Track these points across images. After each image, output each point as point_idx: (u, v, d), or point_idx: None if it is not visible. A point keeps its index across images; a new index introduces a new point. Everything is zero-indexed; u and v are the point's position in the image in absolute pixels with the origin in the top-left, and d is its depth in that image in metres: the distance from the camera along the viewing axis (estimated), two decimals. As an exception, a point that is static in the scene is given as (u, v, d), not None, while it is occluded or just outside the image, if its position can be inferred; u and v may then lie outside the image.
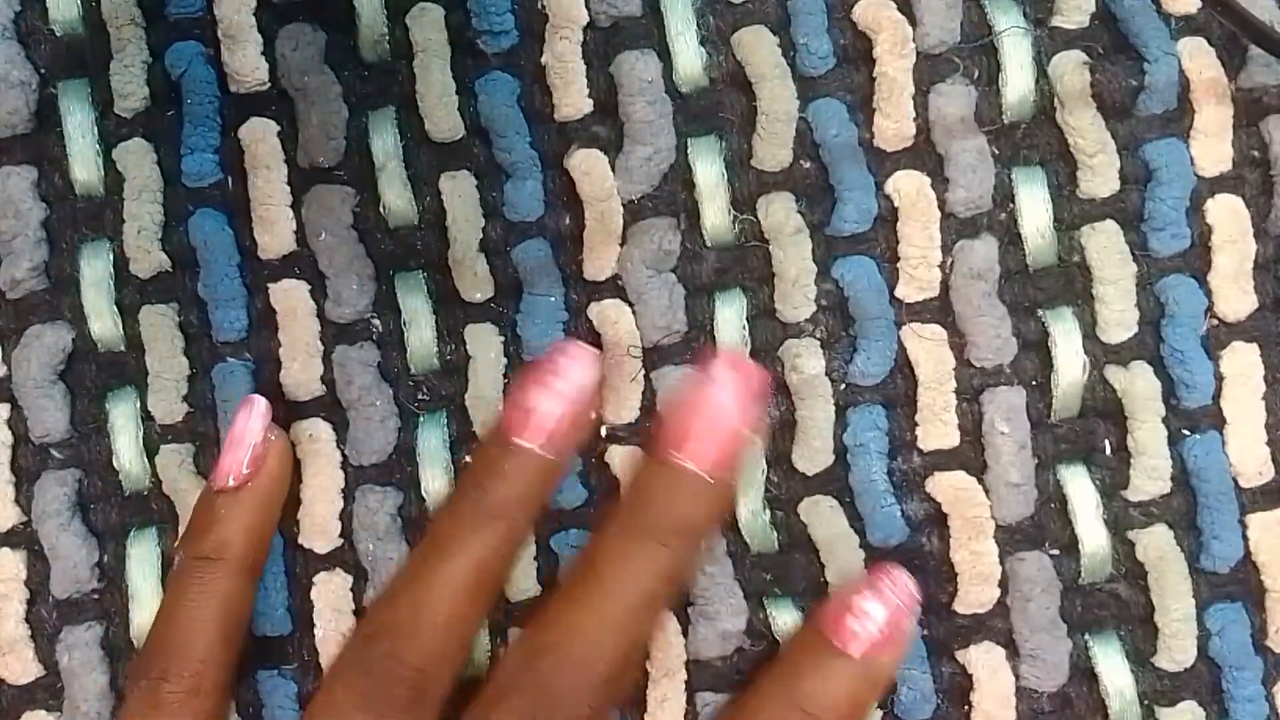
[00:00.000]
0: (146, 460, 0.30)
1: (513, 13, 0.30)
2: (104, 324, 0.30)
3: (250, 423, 0.28)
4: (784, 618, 0.29)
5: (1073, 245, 0.29)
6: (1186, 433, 0.29)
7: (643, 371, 0.29)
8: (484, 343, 0.29)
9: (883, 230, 0.29)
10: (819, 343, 0.29)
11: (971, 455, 0.29)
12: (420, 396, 0.30)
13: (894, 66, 0.29)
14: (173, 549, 0.29)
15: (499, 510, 0.27)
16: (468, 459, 0.30)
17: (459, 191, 0.30)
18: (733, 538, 0.29)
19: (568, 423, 0.28)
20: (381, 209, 0.30)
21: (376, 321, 0.30)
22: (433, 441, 0.29)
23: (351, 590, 0.30)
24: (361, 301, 0.30)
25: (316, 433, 0.30)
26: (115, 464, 0.30)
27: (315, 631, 0.29)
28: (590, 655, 0.26)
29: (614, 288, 0.30)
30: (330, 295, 0.30)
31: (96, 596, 0.30)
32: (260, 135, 0.30)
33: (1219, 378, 0.29)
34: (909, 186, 0.29)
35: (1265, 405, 0.29)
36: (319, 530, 0.30)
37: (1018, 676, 0.29)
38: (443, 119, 0.30)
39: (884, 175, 0.29)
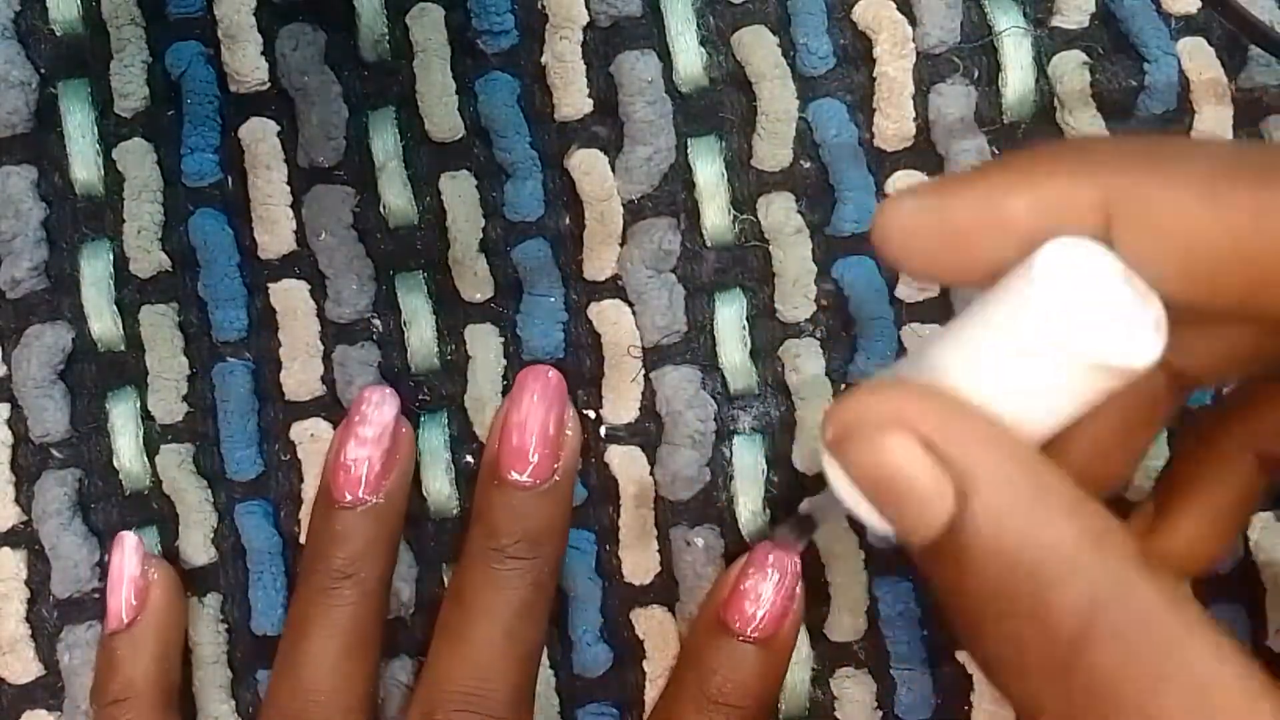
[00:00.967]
0: (147, 460, 0.30)
1: (513, 13, 0.30)
2: (104, 324, 0.30)
3: (124, 561, 0.29)
4: (784, 618, 0.29)
5: (1073, 245, 0.29)
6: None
7: (643, 371, 0.29)
8: (484, 343, 0.29)
9: (883, 230, 0.29)
10: (819, 343, 0.29)
11: (971, 455, 0.29)
12: (420, 396, 0.30)
13: (894, 66, 0.29)
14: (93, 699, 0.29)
15: (347, 570, 0.27)
16: (468, 459, 0.30)
17: (459, 191, 0.30)
18: (732, 539, 0.29)
19: (379, 464, 0.28)
20: (382, 209, 0.30)
21: (377, 321, 0.30)
22: (433, 441, 0.29)
23: (351, 590, 0.30)
24: (362, 301, 0.30)
25: (318, 432, 0.30)
26: (115, 464, 0.30)
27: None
28: (485, 686, 0.27)
29: (614, 288, 0.30)
30: (330, 295, 0.30)
31: (97, 596, 0.30)
32: (260, 135, 0.30)
33: (1219, 378, 0.29)
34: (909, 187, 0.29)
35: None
36: (319, 530, 0.29)
37: (1017, 676, 0.29)
38: (443, 119, 0.30)
39: (884, 175, 0.29)
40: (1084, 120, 0.29)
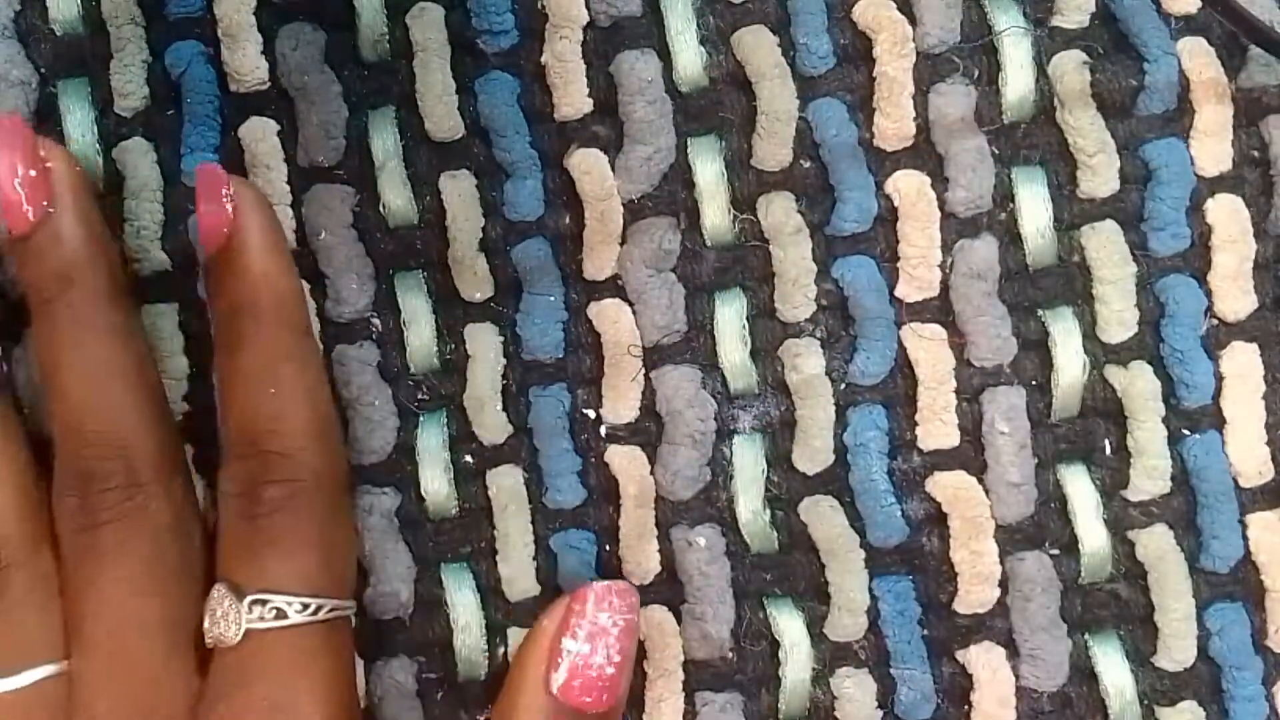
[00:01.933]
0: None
1: (513, 12, 0.30)
2: (104, 323, 0.30)
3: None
4: (784, 618, 0.29)
5: (1073, 245, 0.29)
6: (1186, 432, 0.29)
7: (643, 371, 0.29)
8: (484, 342, 0.29)
9: (883, 230, 0.29)
10: (819, 342, 0.29)
11: (972, 455, 0.29)
12: (420, 396, 0.30)
13: (894, 66, 0.29)
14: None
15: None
16: (467, 459, 0.30)
17: (459, 191, 0.30)
18: (733, 538, 0.29)
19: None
20: (381, 208, 0.30)
21: (376, 321, 0.30)
22: (432, 441, 0.29)
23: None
24: (361, 300, 0.30)
25: (316, 432, 0.30)
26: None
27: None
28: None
29: (614, 287, 0.30)
30: (330, 294, 0.30)
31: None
32: (260, 134, 0.30)
33: (1218, 377, 0.29)
34: (909, 186, 0.29)
35: (1265, 405, 0.29)
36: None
37: (1018, 676, 0.29)
38: (443, 118, 0.30)
39: (884, 175, 0.29)
40: (1084, 120, 0.29)
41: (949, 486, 0.29)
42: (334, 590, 0.26)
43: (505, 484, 0.29)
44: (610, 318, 0.29)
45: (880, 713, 0.29)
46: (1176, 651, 0.29)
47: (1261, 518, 0.29)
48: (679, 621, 0.29)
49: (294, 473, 0.26)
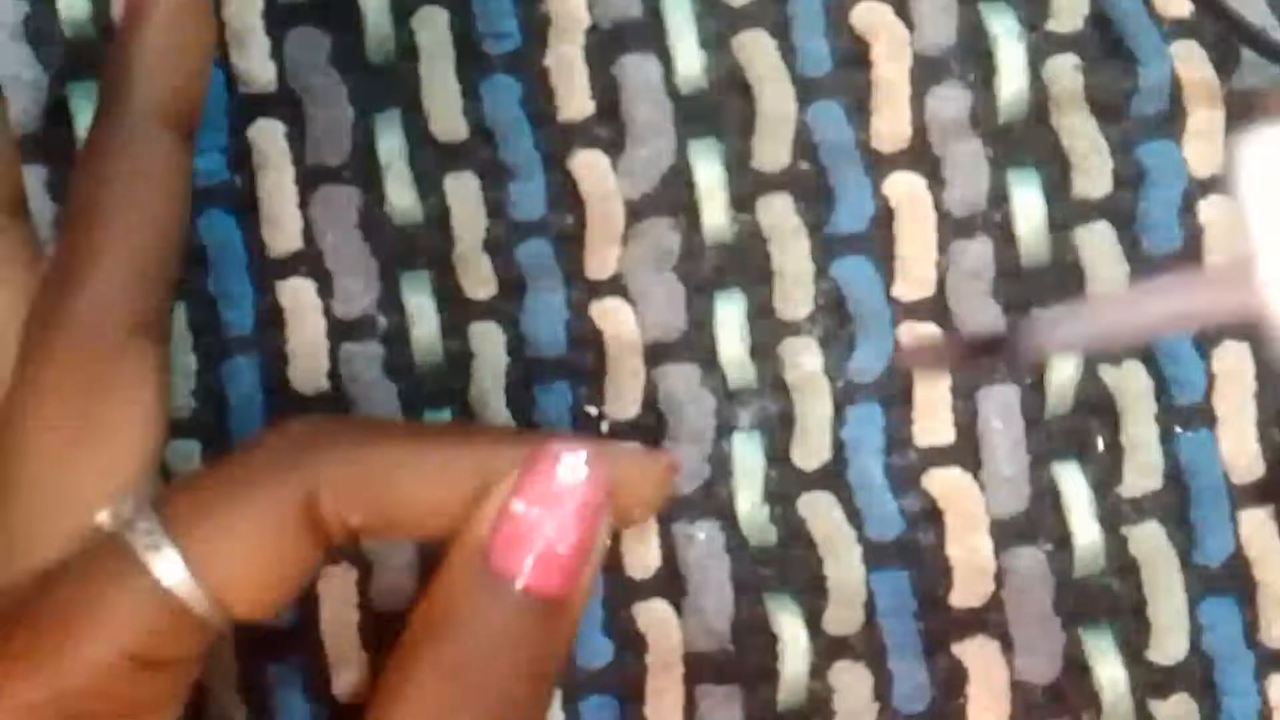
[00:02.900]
0: (155, 455, 0.30)
1: (516, 16, 0.30)
2: (113, 321, 0.30)
3: None
4: (782, 611, 0.29)
5: (1066, 245, 0.30)
6: (1178, 429, 0.29)
7: (644, 368, 0.30)
8: (487, 339, 0.30)
9: (880, 230, 0.30)
10: (817, 341, 0.30)
11: (967, 451, 0.30)
12: (425, 392, 0.30)
13: (891, 70, 0.30)
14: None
15: None
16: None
17: (463, 191, 0.30)
18: (732, 533, 0.30)
19: None
20: (387, 208, 0.30)
21: (381, 319, 0.30)
22: (437, 437, 0.30)
23: (357, 584, 0.30)
24: (367, 299, 0.30)
25: (322, 428, 0.30)
26: (124, 459, 0.30)
27: (321, 625, 0.30)
28: None
29: (615, 286, 0.30)
30: (337, 292, 0.30)
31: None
32: (268, 136, 0.30)
33: (1210, 375, 0.29)
34: (905, 188, 0.30)
35: (1256, 402, 0.29)
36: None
37: (1012, 669, 0.29)
38: (447, 120, 0.30)
39: (881, 176, 0.30)
40: (1078, 122, 0.30)
41: (945, 482, 0.29)
42: None
43: (508, 480, 0.30)
44: (612, 316, 0.30)
45: (876, 705, 0.29)
46: (1169, 645, 0.29)
47: (1252, 514, 0.29)
48: (679, 615, 0.30)
49: None
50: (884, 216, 0.30)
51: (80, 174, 0.25)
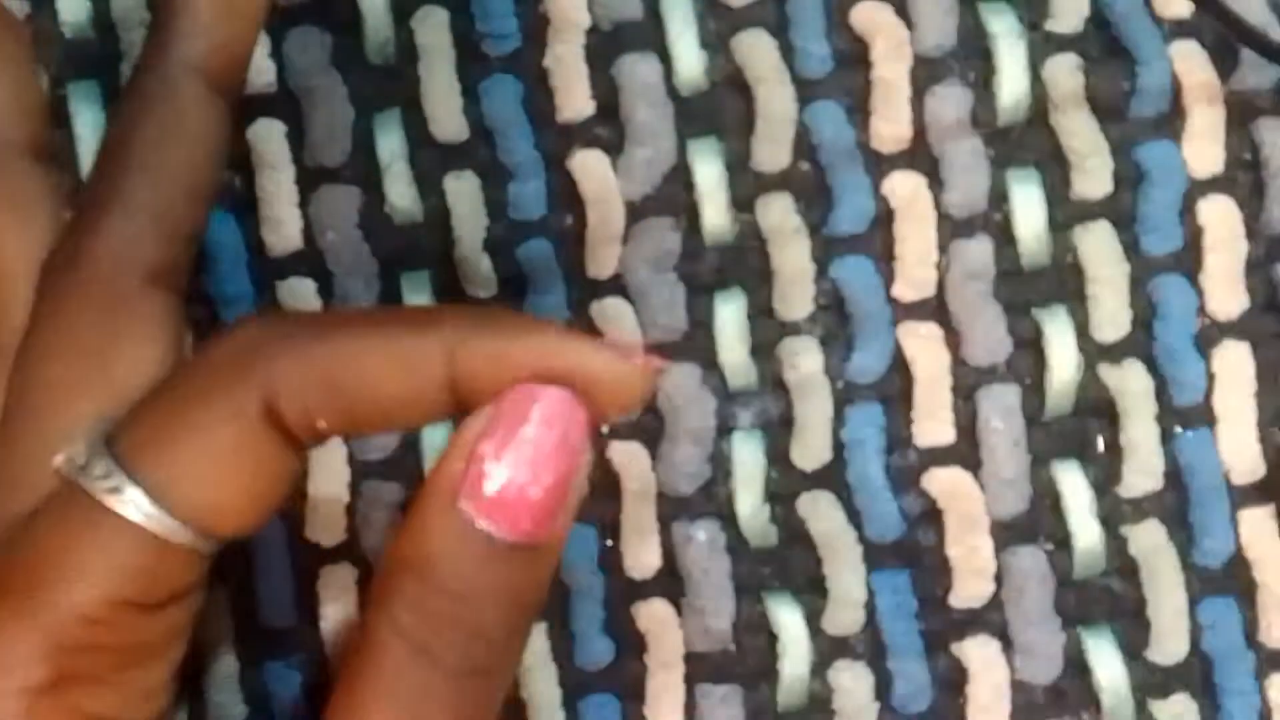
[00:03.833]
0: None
1: (516, 16, 0.30)
2: (113, 321, 0.30)
3: None
4: (783, 611, 0.29)
5: (1066, 245, 0.30)
6: (1178, 430, 0.29)
7: (643, 369, 0.30)
8: (488, 340, 0.30)
9: (880, 231, 0.30)
10: (817, 341, 0.30)
11: (967, 452, 0.30)
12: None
13: (891, 70, 0.30)
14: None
15: None
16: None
17: (463, 191, 0.30)
18: (733, 533, 0.30)
19: None
20: (387, 208, 0.30)
21: (382, 319, 0.30)
22: (437, 436, 0.30)
23: (357, 584, 0.30)
24: (367, 299, 0.30)
25: (322, 429, 0.30)
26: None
27: (321, 624, 0.30)
28: None
29: (615, 286, 0.30)
30: (337, 293, 0.30)
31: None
32: (268, 136, 0.30)
33: (1210, 376, 0.29)
34: (905, 188, 0.30)
35: (1256, 403, 0.29)
36: (325, 525, 0.30)
37: (1012, 669, 0.29)
38: (447, 120, 0.30)
39: (881, 177, 0.30)
40: (1078, 123, 0.30)
41: (945, 482, 0.29)
42: None
43: (508, 480, 0.30)
44: (612, 316, 0.30)
45: (876, 705, 0.29)
46: (1169, 645, 0.29)
47: (1252, 514, 0.29)
48: (679, 615, 0.30)
49: None
50: (884, 217, 0.30)
51: (115, 120, 0.25)
